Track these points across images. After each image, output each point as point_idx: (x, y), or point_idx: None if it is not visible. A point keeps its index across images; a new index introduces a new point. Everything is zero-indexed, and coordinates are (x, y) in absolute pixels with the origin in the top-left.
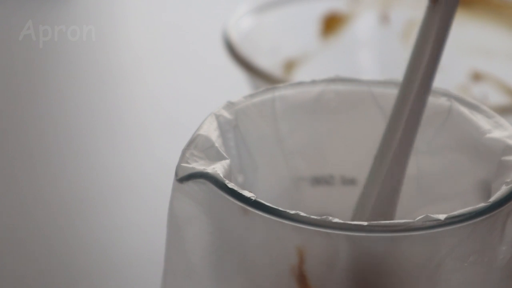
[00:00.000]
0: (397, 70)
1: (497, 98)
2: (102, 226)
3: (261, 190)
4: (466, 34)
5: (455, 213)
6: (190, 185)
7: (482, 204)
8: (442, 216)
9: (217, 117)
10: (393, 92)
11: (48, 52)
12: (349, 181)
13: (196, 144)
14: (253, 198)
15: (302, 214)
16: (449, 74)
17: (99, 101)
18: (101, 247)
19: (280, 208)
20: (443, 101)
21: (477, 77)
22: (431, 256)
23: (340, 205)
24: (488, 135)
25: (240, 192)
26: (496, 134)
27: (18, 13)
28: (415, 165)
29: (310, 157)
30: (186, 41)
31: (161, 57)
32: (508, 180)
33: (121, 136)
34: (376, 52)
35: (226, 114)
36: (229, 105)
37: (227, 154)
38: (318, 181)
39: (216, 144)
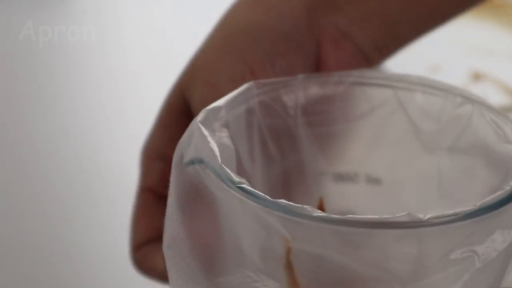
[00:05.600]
0: (397, 70)
1: (497, 98)
2: (102, 226)
3: (276, 182)
4: (466, 34)
5: (440, 214)
6: (193, 169)
7: (469, 208)
8: (424, 216)
9: (235, 103)
10: (419, 93)
11: (48, 52)
12: (374, 181)
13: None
14: (243, 186)
15: (289, 204)
16: (449, 74)
17: (99, 101)
18: (100, 246)
19: (268, 198)
20: (465, 106)
21: (477, 77)
22: (415, 254)
23: (364, 204)
24: (505, 143)
25: (233, 180)
26: None
27: (18, 13)
28: (436, 166)
29: (333, 153)
30: (186, 41)
31: (161, 57)
32: (506, 187)
33: (121, 136)
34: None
35: (245, 101)
36: (250, 91)
37: (241, 142)
38: (341, 177)
39: (229, 132)
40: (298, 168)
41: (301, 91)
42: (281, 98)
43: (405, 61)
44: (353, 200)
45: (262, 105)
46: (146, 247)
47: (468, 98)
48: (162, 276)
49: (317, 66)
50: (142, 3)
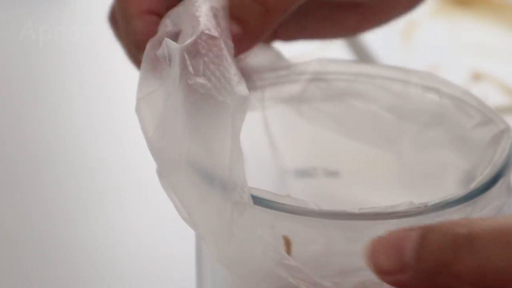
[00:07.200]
0: None
1: (497, 98)
2: (102, 226)
3: (248, 181)
4: (466, 34)
5: (439, 200)
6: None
7: (465, 191)
8: (423, 204)
9: None
10: (379, 84)
11: (48, 52)
12: (332, 173)
13: None
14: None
15: (288, 203)
16: (449, 74)
17: (99, 101)
18: (101, 247)
19: (267, 198)
20: (428, 94)
21: (477, 77)
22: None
23: (324, 197)
24: (476, 129)
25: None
26: (484, 127)
27: (18, 13)
28: (397, 156)
29: (294, 150)
30: None
31: None
32: (486, 171)
33: (121, 136)
34: (376, 52)
35: None
36: None
37: None
38: (302, 173)
39: None
40: (264, 166)
41: (265, 90)
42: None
43: (405, 61)
44: (315, 194)
45: None
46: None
47: (430, 87)
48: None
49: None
50: None
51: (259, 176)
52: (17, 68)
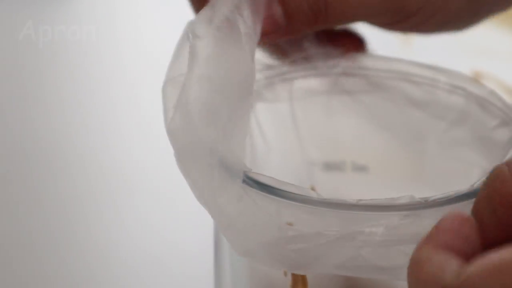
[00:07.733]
0: None
1: None
2: (103, 226)
3: (272, 172)
4: (466, 34)
5: (439, 195)
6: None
7: (468, 188)
8: (424, 198)
9: None
10: (408, 80)
11: (48, 52)
12: (361, 168)
13: None
14: (246, 174)
15: (292, 190)
16: None
17: (99, 101)
18: (101, 246)
19: (271, 184)
20: (455, 93)
21: (477, 77)
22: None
23: (351, 191)
24: (497, 129)
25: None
26: (505, 128)
27: (18, 13)
28: (424, 153)
29: (322, 143)
30: None
31: (161, 57)
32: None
33: (121, 136)
34: (376, 52)
35: None
36: None
37: None
38: (330, 166)
39: None
40: (291, 158)
41: (294, 82)
42: (275, 89)
43: None
44: (341, 188)
45: (259, 96)
46: None
47: (457, 86)
48: None
49: None
50: (142, 3)
51: (286, 167)
52: (16, 68)
